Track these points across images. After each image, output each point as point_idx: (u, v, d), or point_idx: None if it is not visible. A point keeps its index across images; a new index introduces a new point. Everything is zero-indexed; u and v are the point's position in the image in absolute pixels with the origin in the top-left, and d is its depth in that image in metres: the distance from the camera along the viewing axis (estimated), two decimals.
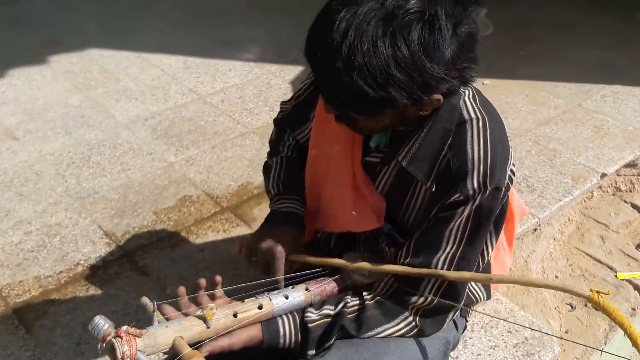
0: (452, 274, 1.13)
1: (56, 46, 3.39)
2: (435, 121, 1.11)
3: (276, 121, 1.47)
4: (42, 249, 1.98)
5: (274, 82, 3.07)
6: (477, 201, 1.10)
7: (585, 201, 2.45)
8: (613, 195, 2.51)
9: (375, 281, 1.23)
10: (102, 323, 0.97)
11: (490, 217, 1.14)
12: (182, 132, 2.64)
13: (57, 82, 3.05)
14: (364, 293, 1.21)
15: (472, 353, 1.60)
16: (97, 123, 2.70)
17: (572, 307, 2.06)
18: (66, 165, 2.41)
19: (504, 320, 1.64)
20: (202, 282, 1.13)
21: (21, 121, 2.70)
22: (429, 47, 0.93)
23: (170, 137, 2.60)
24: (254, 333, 1.11)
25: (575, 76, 3.12)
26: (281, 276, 1.22)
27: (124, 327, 0.97)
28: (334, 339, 1.16)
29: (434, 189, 1.14)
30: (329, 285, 1.21)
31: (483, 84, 2.95)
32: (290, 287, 1.18)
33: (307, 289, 1.18)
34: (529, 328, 1.63)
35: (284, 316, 1.15)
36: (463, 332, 1.44)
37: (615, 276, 2.15)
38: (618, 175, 2.51)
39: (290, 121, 1.41)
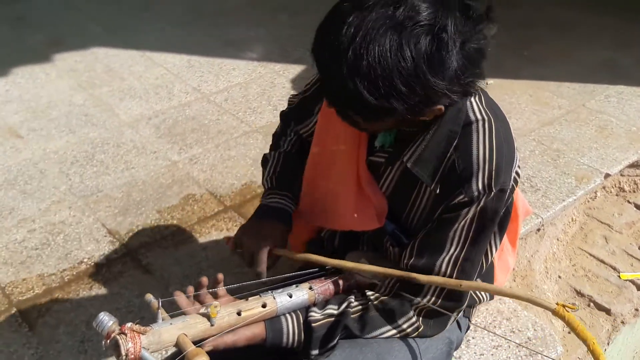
0: (424, 278, 1.13)
1: (59, 45, 3.39)
2: (442, 123, 1.11)
3: (282, 114, 1.48)
4: (46, 247, 1.99)
5: (278, 81, 3.07)
6: (481, 203, 1.10)
7: (588, 201, 2.45)
8: (617, 195, 2.50)
9: (378, 281, 1.23)
10: (107, 320, 0.97)
11: (495, 218, 1.14)
12: (185, 131, 2.64)
13: (62, 80, 3.05)
14: (368, 293, 1.21)
15: (475, 353, 1.60)
16: (101, 121, 2.70)
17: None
18: (70, 163, 2.42)
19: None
20: (204, 280, 1.14)
21: (25, 119, 2.71)
22: (434, 62, 0.92)
23: (174, 136, 2.61)
24: (258, 331, 1.12)
25: (579, 76, 3.11)
26: (263, 269, 1.24)
27: (129, 324, 0.97)
28: (337, 338, 1.16)
29: (438, 191, 1.14)
30: (332, 285, 1.21)
31: (487, 84, 2.93)
32: (294, 285, 1.18)
33: (310, 288, 1.18)
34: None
35: (287, 315, 1.15)
36: (466, 332, 1.44)
37: (619, 276, 2.15)
38: (622, 175, 2.51)
39: (296, 114, 1.42)
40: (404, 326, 1.19)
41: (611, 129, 2.68)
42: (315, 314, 1.15)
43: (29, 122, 2.69)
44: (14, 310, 1.75)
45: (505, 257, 1.48)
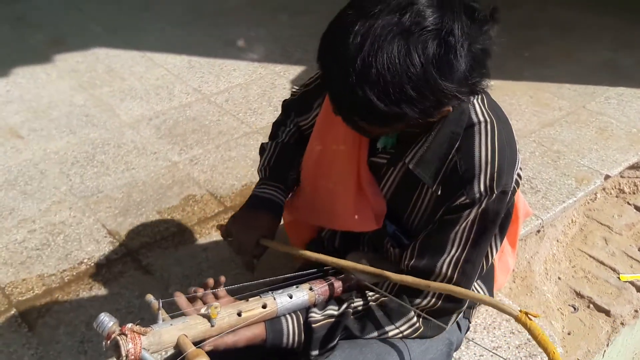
0: (395, 277, 1.14)
1: (60, 45, 3.39)
2: (444, 125, 1.11)
3: (284, 104, 1.50)
4: (46, 247, 1.99)
5: (279, 82, 3.07)
6: (483, 204, 1.10)
7: (588, 203, 2.45)
8: (616, 197, 2.51)
9: (379, 282, 1.23)
10: (107, 320, 0.97)
11: (496, 220, 1.14)
12: (186, 132, 2.64)
13: (62, 80, 3.05)
14: (368, 294, 1.21)
15: (475, 354, 1.60)
16: (101, 122, 2.70)
17: (574, 309, 2.06)
18: (70, 164, 2.42)
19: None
20: (210, 281, 1.14)
21: (26, 120, 2.71)
22: (443, 66, 0.92)
23: (174, 137, 2.61)
24: (258, 332, 1.12)
25: (579, 78, 3.11)
26: (250, 258, 1.28)
27: (129, 325, 0.97)
28: (337, 339, 1.16)
29: (440, 192, 1.14)
30: (332, 285, 1.21)
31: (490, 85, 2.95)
32: (294, 286, 1.18)
33: (311, 289, 1.18)
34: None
35: (287, 316, 1.15)
36: (466, 333, 1.44)
37: (618, 278, 2.15)
38: (622, 177, 2.51)
39: (297, 106, 1.44)
40: (404, 327, 1.19)
41: (611, 130, 2.68)
42: (316, 315, 1.15)
43: (30, 123, 2.69)
44: (13, 310, 1.75)
45: (505, 258, 1.48)
